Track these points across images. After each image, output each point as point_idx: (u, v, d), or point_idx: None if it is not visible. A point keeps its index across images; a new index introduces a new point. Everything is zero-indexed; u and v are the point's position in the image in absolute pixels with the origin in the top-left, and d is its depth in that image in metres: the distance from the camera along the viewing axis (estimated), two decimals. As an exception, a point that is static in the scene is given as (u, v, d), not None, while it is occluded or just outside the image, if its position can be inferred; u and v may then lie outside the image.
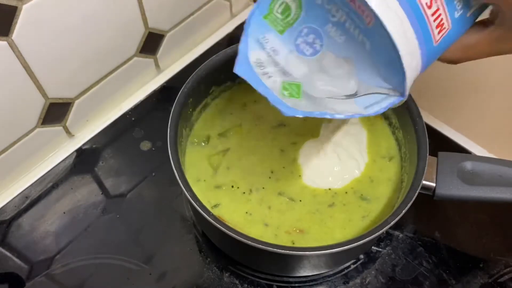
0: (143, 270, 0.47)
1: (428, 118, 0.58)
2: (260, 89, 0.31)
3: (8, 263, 0.48)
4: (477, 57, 0.32)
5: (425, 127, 0.42)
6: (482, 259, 0.48)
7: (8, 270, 0.47)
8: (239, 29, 0.66)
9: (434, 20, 0.28)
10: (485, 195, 0.40)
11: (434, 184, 0.40)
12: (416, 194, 0.39)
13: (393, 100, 0.30)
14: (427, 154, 0.41)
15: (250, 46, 0.32)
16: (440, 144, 0.55)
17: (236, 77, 0.50)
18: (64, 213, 0.51)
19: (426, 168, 0.40)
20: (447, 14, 0.28)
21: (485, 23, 0.30)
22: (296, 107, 0.31)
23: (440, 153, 0.42)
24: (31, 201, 0.51)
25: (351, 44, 0.30)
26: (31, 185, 0.53)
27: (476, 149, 0.56)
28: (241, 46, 0.32)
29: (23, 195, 0.52)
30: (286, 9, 0.31)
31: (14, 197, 0.52)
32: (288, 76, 0.32)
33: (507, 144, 0.55)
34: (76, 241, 0.49)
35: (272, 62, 0.32)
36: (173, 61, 0.63)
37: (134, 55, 0.57)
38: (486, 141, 0.56)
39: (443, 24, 0.28)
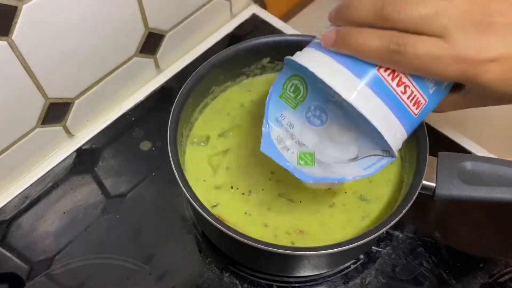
0: (143, 270, 0.47)
1: (428, 118, 0.58)
2: (282, 163, 0.38)
3: (8, 263, 0.48)
4: (455, 110, 0.39)
5: (425, 127, 0.42)
6: (482, 259, 0.48)
7: (8, 270, 0.47)
8: (239, 29, 0.66)
9: (411, 101, 0.34)
10: (485, 195, 0.40)
11: (434, 184, 0.40)
12: (416, 194, 0.39)
13: (386, 161, 0.37)
14: (427, 154, 0.41)
15: (271, 126, 0.39)
16: (440, 144, 0.55)
17: (236, 76, 0.51)
18: (64, 213, 0.51)
19: (426, 168, 0.40)
20: (421, 93, 0.35)
21: (459, 86, 0.37)
22: (310, 174, 0.37)
23: (440, 153, 0.42)
24: (31, 201, 0.51)
25: (349, 117, 0.35)
26: (31, 185, 0.53)
27: (476, 149, 0.56)
28: (264, 128, 0.39)
29: (23, 195, 0.52)
30: (296, 89, 0.37)
31: (14, 197, 0.52)
32: (303, 147, 0.39)
33: (507, 144, 0.55)
34: (76, 241, 0.49)
35: (289, 136, 0.39)
36: (173, 61, 0.63)
37: (134, 55, 0.57)
38: (486, 141, 0.56)
39: (419, 101, 0.35)
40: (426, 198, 0.41)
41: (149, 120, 0.58)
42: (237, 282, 0.47)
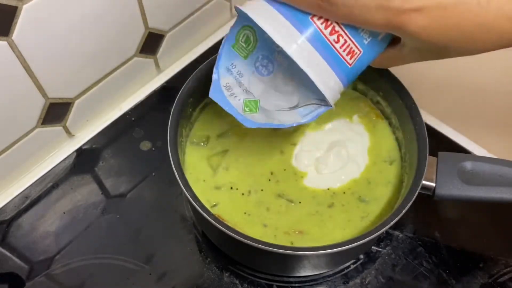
0: (143, 270, 0.47)
1: (428, 118, 0.58)
2: (226, 108, 0.40)
3: (8, 263, 0.48)
4: (395, 65, 0.40)
5: (425, 127, 0.42)
6: (482, 259, 0.48)
7: (8, 270, 0.47)
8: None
9: (344, 50, 0.36)
10: (485, 195, 0.40)
11: (434, 184, 0.40)
12: (416, 194, 0.39)
13: (322, 110, 0.39)
14: (427, 154, 0.41)
15: (221, 74, 0.40)
16: (440, 144, 0.55)
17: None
18: (64, 213, 0.51)
19: (426, 168, 0.40)
20: (355, 43, 0.36)
21: (397, 40, 0.37)
22: (253, 120, 0.40)
23: (440, 153, 0.42)
24: (31, 201, 0.52)
25: (293, 67, 0.37)
26: (31, 185, 0.53)
27: (476, 149, 0.56)
28: (214, 76, 0.40)
29: (23, 195, 0.52)
30: (248, 39, 0.39)
31: (14, 197, 0.52)
32: (250, 95, 0.41)
33: (507, 144, 0.55)
34: (76, 241, 0.49)
35: (238, 84, 0.41)
36: (173, 61, 0.63)
37: (134, 55, 0.57)
38: (486, 141, 0.56)
39: (353, 51, 0.36)
40: (426, 198, 0.41)
41: (149, 120, 0.58)
42: (237, 282, 0.47)
